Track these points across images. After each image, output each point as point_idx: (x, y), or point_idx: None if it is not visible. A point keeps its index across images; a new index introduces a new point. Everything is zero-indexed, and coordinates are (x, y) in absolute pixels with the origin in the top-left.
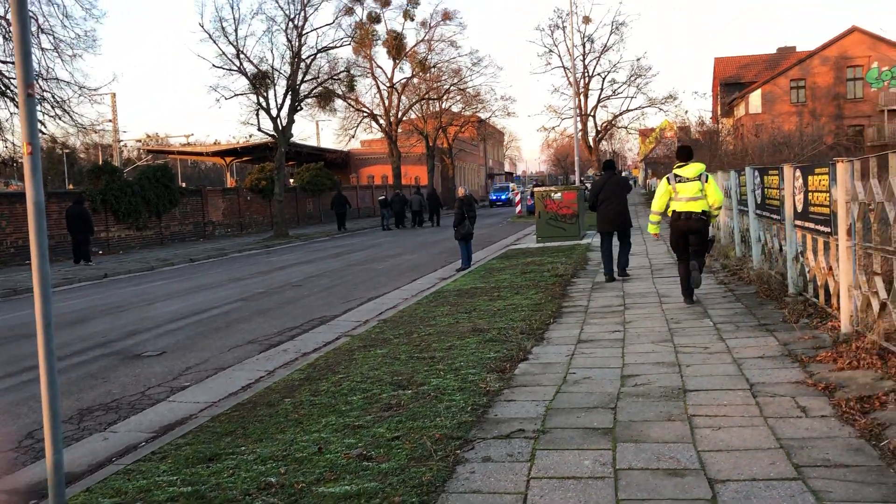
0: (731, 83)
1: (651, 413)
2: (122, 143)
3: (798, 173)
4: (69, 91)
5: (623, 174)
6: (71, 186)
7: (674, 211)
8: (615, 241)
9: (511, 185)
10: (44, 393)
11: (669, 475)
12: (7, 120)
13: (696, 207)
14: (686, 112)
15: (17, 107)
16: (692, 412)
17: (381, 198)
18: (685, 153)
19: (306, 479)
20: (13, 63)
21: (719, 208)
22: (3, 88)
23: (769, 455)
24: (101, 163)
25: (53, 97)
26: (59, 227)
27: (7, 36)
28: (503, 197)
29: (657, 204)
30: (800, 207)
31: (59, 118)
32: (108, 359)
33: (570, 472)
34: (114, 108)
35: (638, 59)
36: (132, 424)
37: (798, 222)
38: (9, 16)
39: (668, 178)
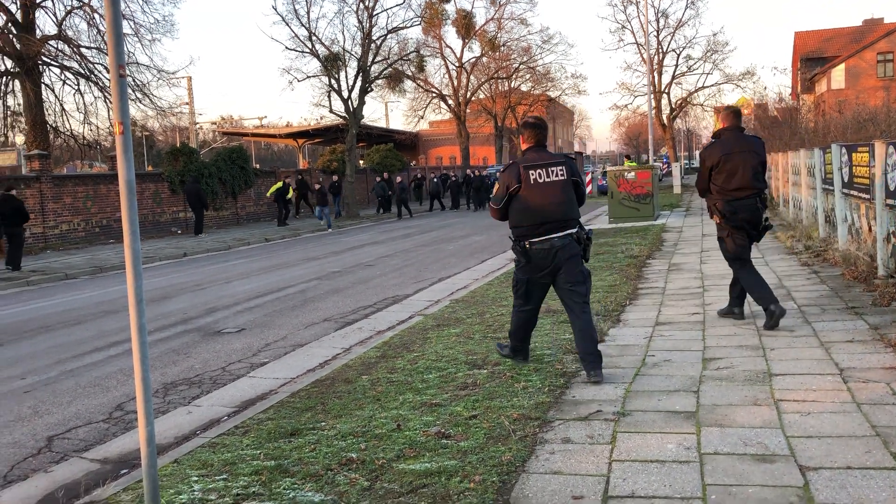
0: (813, 58)
1: (735, 397)
2: (198, 126)
3: (892, 149)
4: (148, 75)
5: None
6: (150, 168)
7: None
8: None
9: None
10: (136, 368)
11: (758, 461)
12: (91, 104)
13: None
14: (765, 88)
15: (101, 91)
16: (779, 397)
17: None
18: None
19: (386, 456)
20: (96, 48)
21: None
22: (87, 73)
23: (864, 443)
24: (178, 145)
25: (134, 80)
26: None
27: (91, 22)
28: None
29: None
30: (892, 186)
31: (140, 101)
32: (189, 335)
33: (653, 455)
34: (190, 91)
35: (714, 35)
36: (214, 399)
37: (890, 201)
38: (93, 2)
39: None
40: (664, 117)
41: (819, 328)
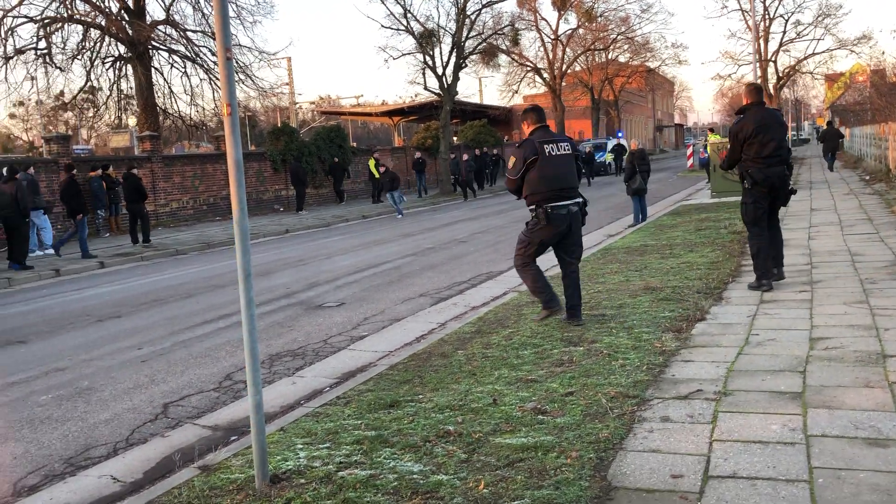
0: None
1: (845, 378)
2: (297, 106)
3: None
4: (250, 56)
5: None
6: (253, 147)
7: None
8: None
9: (616, 140)
10: (245, 340)
11: (869, 445)
12: (197, 86)
13: None
14: (882, 53)
15: (206, 73)
16: (894, 379)
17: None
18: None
19: (483, 429)
20: (201, 32)
21: None
22: (193, 56)
23: None
24: (279, 124)
25: (237, 63)
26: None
27: (196, 6)
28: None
29: None
30: None
31: (242, 82)
32: (292, 309)
33: (756, 436)
34: (290, 71)
35: None
36: (317, 370)
37: None
38: None
39: None
40: (770, 87)
41: None
